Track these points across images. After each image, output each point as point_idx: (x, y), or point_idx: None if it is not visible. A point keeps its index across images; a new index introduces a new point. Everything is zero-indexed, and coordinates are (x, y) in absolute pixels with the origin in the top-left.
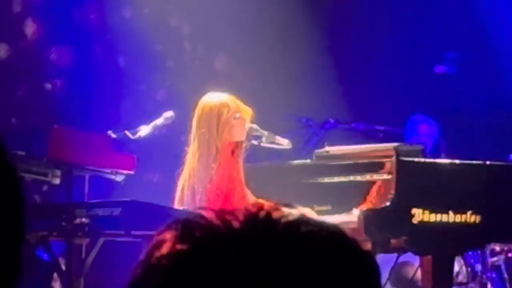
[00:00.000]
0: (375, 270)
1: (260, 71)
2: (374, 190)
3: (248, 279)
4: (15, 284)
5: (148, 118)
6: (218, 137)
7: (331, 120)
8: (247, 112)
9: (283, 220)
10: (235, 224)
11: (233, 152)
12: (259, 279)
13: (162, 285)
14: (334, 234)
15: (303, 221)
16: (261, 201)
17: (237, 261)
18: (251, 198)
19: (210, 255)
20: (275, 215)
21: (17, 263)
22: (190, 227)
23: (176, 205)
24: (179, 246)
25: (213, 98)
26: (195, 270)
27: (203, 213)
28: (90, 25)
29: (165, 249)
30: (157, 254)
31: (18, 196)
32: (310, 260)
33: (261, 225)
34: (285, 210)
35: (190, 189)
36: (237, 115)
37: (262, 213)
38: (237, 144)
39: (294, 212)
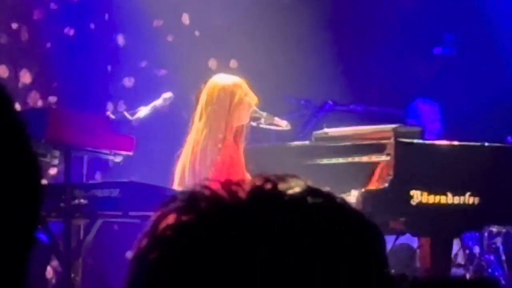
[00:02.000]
0: (381, 242)
1: (258, 52)
2: (373, 171)
3: (253, 250)
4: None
5: (148, 96)
6: (229, 116)
7: (330, 102)
8: (254, 98)
9: (289, 191)
10: (241, 195)
11: (235, 136)
12: (264, 251)
13: (166, 256)
14: (341, 205)
15: (309, 192)
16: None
17: (242, 232)
18: None
19: (215, 226)
20: (282, 186)
21: (31, 245)
22: (195, 198)
23: (176, 186)
24: (184, 217)
25: (226, 78)
26: (199, 241)
27: (209, 184)
28: (89, 4)
29: (170, 220)
30: (162, 225)
31: (37, 182)
32: (316, 231)
33: (267, 196)
34: (292, 181)
35: (191, 170)
36: (247, 99)
37: (269, 185)
38: (240, 128)
39: (301, 183)
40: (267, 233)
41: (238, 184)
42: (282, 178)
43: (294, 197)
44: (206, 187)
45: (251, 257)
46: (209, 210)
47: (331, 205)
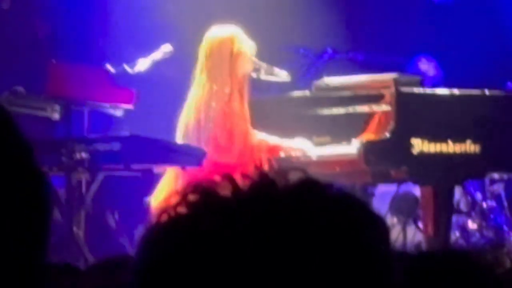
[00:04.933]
0: (385, 237)
1: (255, 2)
2: (374, 121)
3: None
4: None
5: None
6: (232, 67)
7: (329, 50)
8: (253, 45)
9: (288, 188)
10: (240, 191)
11: (239, 87)
12: (261, 247)
13: (165, 249)
14: (341, 199)
15: (309, 188)
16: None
17: (240, 229)
18: (254, 136)
19: (211, 221)
20: (281, 183)
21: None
22: (194, 192)
23: (180, 140)
24: (181, 211)
25: (223, 30)
26: (196, 236)
27: (212, 178)
28: None
29: (169, 214)
30: (163, 218)
31: (45, 200)
32: (315, 227)
33: (266, 191)
34: (292, 175)
35: (195, 124)
36: (247, 46)
37: (268, 181)
38: (243, 78)
39: (301, 177)
40: (265, 229)
41: (238, 179)
42: (282, 172)
43: (293, 194)
44: (208, 181)
45: (248, 252)
46: (206, 205)
47: (330, 200)
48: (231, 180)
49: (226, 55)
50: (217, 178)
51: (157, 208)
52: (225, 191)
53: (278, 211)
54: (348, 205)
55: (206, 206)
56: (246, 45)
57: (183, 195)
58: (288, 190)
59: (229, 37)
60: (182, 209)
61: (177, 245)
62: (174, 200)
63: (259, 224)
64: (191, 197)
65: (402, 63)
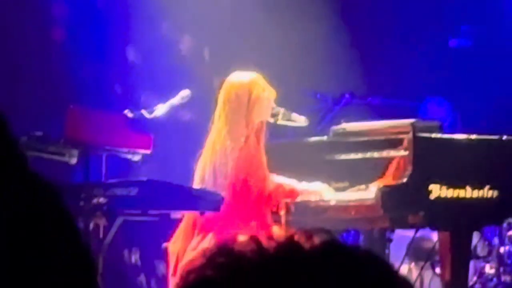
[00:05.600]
0: None
1: (272, 45)
2: (391, 166)
3: None
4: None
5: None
6: (248, 114)
7: (347, 95)
8: (273, 92)
9: (314, 250)
10: (265, 253)
11: (256, 132)
12: None
13: None
14: (366, 263)
15: (334, 250)
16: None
17: None
18: (271, 181)
19: (237, 285)
20: (307, 245)
21: None
22: (220, 253)
23: (196, 185)
24: (206, 272)
25: (242, 76)
26: None
27: (237, 238)
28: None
29: (193, 276)
30: (188, 279)
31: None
32: None
33: (293, 254)
34: (318, 237)
35: (211, 169)
36: (265, 94)
37: (294, 243)
38: (261, 124)
39: (327, 239)
40: None
41: (263, 240)
42: (310, 235)
43: (319, 256)
44: (234, 242)
45: None
46: (232, 267)
47: (355, 263)
48: (257, 241)
49: (243, 102)
50: (242, 238)
51: (183, 269)
52: (250, 250)
53: (304, 273)
54: (374, 267)
55: (232, 269)
56: (266, 92)
57: (210, 257)
58: (313, 252)
59: (248, 83)
60: (208, 272)
61: None
62: (200, 261)
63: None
64: (218, 259)
65: (417, 107)
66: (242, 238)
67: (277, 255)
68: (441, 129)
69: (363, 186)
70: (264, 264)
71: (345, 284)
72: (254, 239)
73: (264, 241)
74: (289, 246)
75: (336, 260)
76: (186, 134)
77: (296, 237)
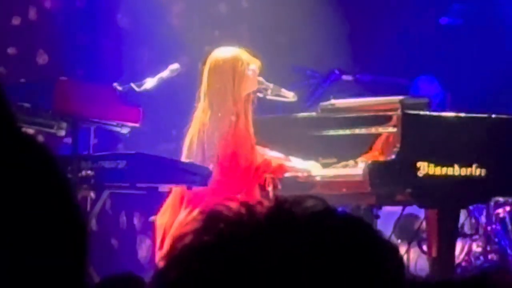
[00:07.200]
0: (399, 267)
1: (263, 22)
2: (379, 142)
3: (268, 272)
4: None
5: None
6: (236, 90)
7: (336, 71)
8: (257, 63)
9: (306, 213)
10: (259, 217)
11: (244, 105)
12: (279, 272)
13: (185, 276)
14: (357, 228)
15: (325, 214)
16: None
17: (259, 254)
18: (258, 154)
19: (233, 248)
20: (299, 208)
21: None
22: (214, 219)
23: (184, 158)
24: (203, 238)
25: (225, 52)
26: (218, 261)
27: (228, 203)
28: None
29: (188, 241)
30: (180, 245)
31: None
32: (332, 254)
33: (284, 219)
34: (308, 202)
35: (199, 143)
36: (250, 67)
37: (286, 206)
38: (248, 97)
39: (318, 204)
40: (283, 257)
41: (256, 204)
42: (299, 200)
43: (310, 219)
44: (226, 206)
45: (267, 278)
46: (228, 232)
47: (346, 227)
48: (248, 207)
49: (228, 80)
50: (233, 204)
51: (176, 232)
52: (243, 215)
53: (297, 239)
54: (364, 232)
55: (228, 234)
56: (250, 65)
57: (205, 223)
58: (305, 219)
59: (230, 60)
60: (205, 237)
61: (210, 270)
62: (194, 225)
63: (280, 253)
64: (213, 225)
65: (407, 84)
66: (232, 204)
67: (270, 222)
68: (430, 107)
69: (351, 162)
70: (256, 229)
71: (336, 248)
72: (245, 204)
73: (255, 207)
74: (280, 211)
75: (327, 225)
76: (174, 106)
77: (287, 203)
